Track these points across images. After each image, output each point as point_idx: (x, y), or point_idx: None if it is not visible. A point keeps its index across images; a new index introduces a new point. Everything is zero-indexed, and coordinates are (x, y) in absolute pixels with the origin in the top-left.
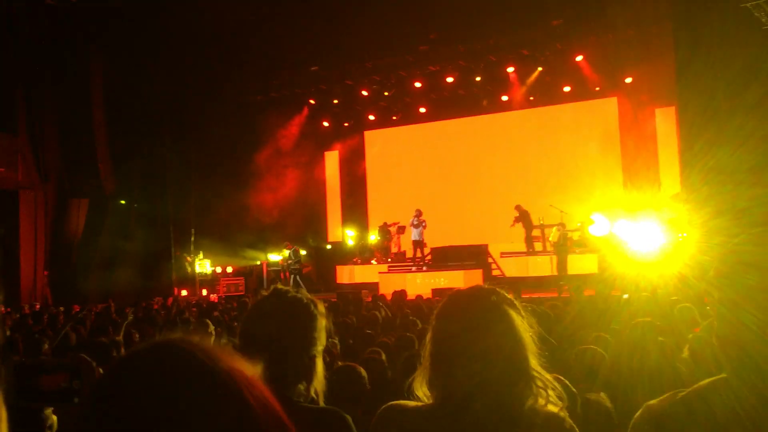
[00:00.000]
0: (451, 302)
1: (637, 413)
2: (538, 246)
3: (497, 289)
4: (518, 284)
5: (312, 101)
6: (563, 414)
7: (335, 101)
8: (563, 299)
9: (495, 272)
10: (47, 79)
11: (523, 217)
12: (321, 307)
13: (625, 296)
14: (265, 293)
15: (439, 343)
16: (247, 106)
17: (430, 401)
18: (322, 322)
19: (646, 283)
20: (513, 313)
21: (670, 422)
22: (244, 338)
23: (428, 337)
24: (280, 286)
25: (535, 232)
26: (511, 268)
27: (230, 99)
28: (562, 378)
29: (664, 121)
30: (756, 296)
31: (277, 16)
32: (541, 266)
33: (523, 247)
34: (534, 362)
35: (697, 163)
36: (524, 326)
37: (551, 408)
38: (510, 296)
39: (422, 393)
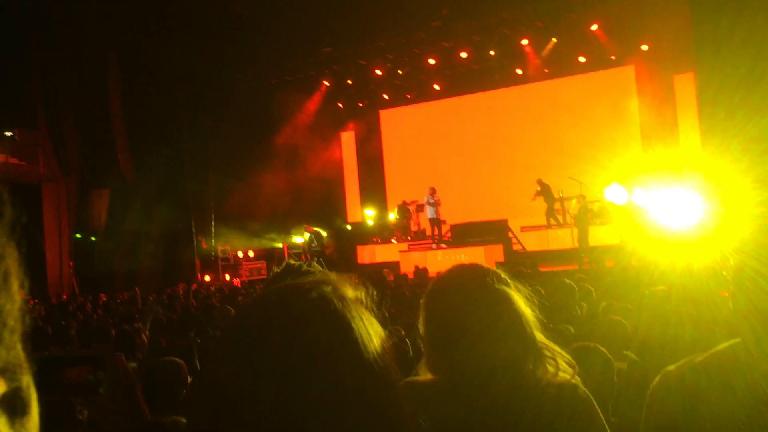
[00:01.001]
0: (438, 285)
1: (655, 379)
2: (558, 219)
3: (481, 264)
4: (535, 258)
5: (326, 82)
6: (576, 381)
7: (349, 82)
8: (585, 271)
9: (516, 247)
10: (65, 73)
11: (544, 190)
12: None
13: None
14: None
15: (434, 328)
16: (261, 90)
17: (442, 380)
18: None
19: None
20: (504, 287)
21: (689, 387)
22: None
23: (420, 322)
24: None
25: (556, 206)
26: (531, 242)
27: (245, 83)
28: (599, 346)
29: (683, 88)
30: None
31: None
32: (562, 239)
33: (543, 221)
34: (539, 335)
35: (719, 130)
36: (521, 300)
37: (563, 376)
38: (497, 270)
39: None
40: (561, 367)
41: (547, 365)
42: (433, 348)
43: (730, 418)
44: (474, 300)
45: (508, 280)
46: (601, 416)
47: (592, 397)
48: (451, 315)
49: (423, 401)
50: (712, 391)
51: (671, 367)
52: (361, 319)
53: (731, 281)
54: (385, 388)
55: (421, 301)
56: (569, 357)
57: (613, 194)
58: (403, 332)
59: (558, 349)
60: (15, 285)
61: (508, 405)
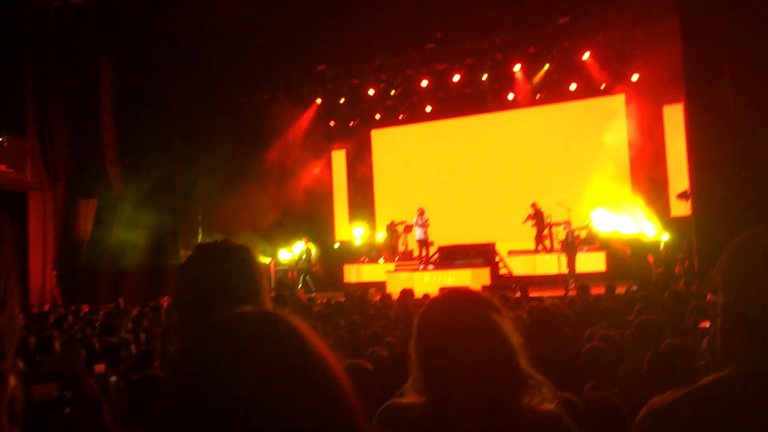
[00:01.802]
0: (431, 310)
1: (642, 411)
2: (546, 244)
3: (476, 291)
4: (526, 283)
5: (319, 100)
6: (559, 411)
7: (342, 100)
8: (571, 297)
9: (503, 271)
10: (56, 81)
11: (537, 215)
12: (253, 253)
13: (633, 288)
14: (189, 252)
15: (425, 353)
16: (254, 105)
17: (429, 401)
18: (260, 267)
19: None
20: (496, 316)
21: (675, 419)
22: (184, 309)
23: (412, 344)
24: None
25: (545, 231)
26: (519, 267)
27: (238, 98)
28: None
29: (672, 119)
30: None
31: (283, 15)
32: (549, 264)
33: (531, 245)
34: (523, 362)
35: (706, 160)
36: (509, 328)
37: (547, 406)
38: (490, 298)
39: (415, 397)
40: (545, 396)
41: (533, 394)
42: (422, 370)
43: None
44: (465, 327)
45: (500, 308)
46: None
47: (575, 427)
48: (442, 339)
49: (406, 423)
50: (702, 424)
51: (657, 399)
52: (312, 343)
53: (719, 315)
54: (341, 409)
55: (414, 321)
56: (552, 386)
57: (600, 223)
58: (386, 353)
59: (542, 378)
60: (14, 298)
61: (491, 430)
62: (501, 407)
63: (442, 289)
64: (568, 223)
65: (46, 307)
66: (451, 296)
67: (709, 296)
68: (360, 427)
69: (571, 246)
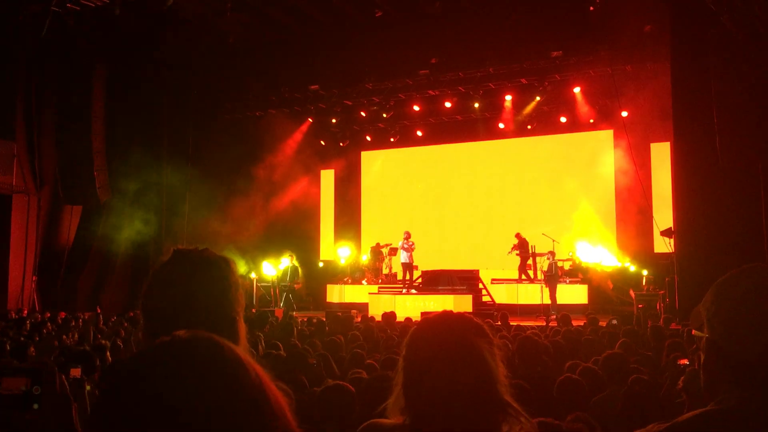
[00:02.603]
0: (422, 330)
1: None
2: (530, 274)
3: (468, 316)
4: (506, 312)
5: (310, 119)
6: None
7: (334, 120)
8: (551, 328)
9: (485, 298)
10: (48, 86)
11: (521, 245)
12: (233, 265)
13: (614, 322)
14: (164, 258)
15: (410, 371)
16: (245, 122)
17: (409, 423)
18: (237, 281)
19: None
20: (484, 343)
21: None
22: (151, 314)
23: (400, 364)
24: (181, 247)
25: (529, 261)
26: (501, 295)
27: (230, 113)
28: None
29: (659, 156)
30: (751, 329)
31: (280, 34)
32: (532, 294)
33: (513, 275)
34: (504, 391)
35: (690, 200)
36: (494, 356)
37: None
38: (482, 324)
39: (395, 418)
40: (523, 426)
41: (511, 423)
42: (405, 388)
43: None
44: (450, 351)
45: (489, 335)
46: None
47: None
48: (427, 360)
49: None
50: None
51: None
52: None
53: (704, 352)
54: None
55: (405, 340)
56: (528, 416)
57: (584, 253)
58: (364, 374)
59: (519, 408)
60: None
61: None
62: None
63: (423, 314)
64: (551, 254)
65: (25, 312)
66: (444, 318)
67: (693, 332)
68: None
69: (554, 277)
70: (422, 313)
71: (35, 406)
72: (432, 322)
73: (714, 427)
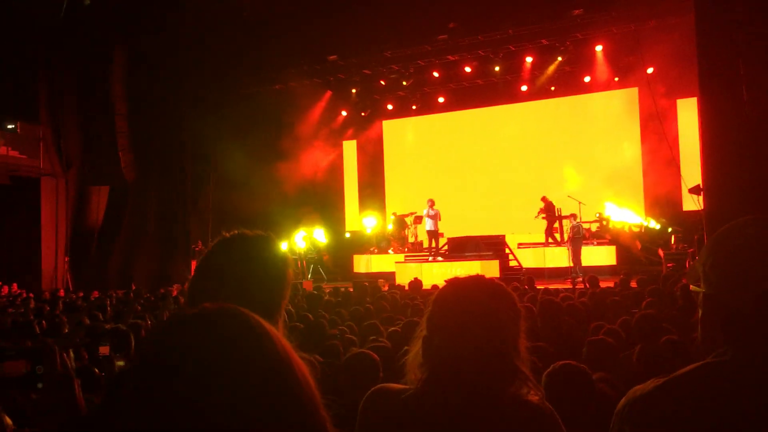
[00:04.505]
0: (447, 289)
1: (622, 401)
2: (557, 237)
3: (498, 283)
4: (533, 276)
5: (330, 91)
6: (543, 404)
7: (353, 90)
8: (578, 290)
9: (512, 263)
10: (70, 69)
11: (547, 208)
12: (272, 244)
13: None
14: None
15: (431, 328)
16: (266, 94)
17: (418, 383)
18: (283, 258)
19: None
20: (505, 309)
21: (654, 407)
22: (193, 298)
23: (423, 320)
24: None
25: (556, 224)
26: (528, 259)
27: (250, 87)
28: (583, 367)
29: (686, 112)
30: (745, 279)
31: (296, 4)
32: (559, 257)
33: (540, 239)
34: (517, 357)
35: (719, 155)
36: (515, 324)
37: (532, 398)
38: (509, 292)
39: (413, 374)
40: (532, 389)
41: (519, 387)
42: (424, 344)
43: None
44: (468, 312)
45: (514, 300)
46: None
47: (557, 416)
48: (447, 319)
49: (392, 403)
50: (681, 411)
51: (638, 387)
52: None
53: (700, 306)
54: (296, 410)
55: (432, 298)
56: (536, 383)
57: (611, 213)
58: (388, 342)
59: (529, 375)
60: None
61: (481, 416)
62: (484, 393)
63: (447, 281)
64: (573, 217)
65: (61, 293)
66: (470, 281)
67: (691, 287)
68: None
69: (577, 239)
70: (446, 281)
71: (39, 385)
72: (459, 283)
73: (711, 380)
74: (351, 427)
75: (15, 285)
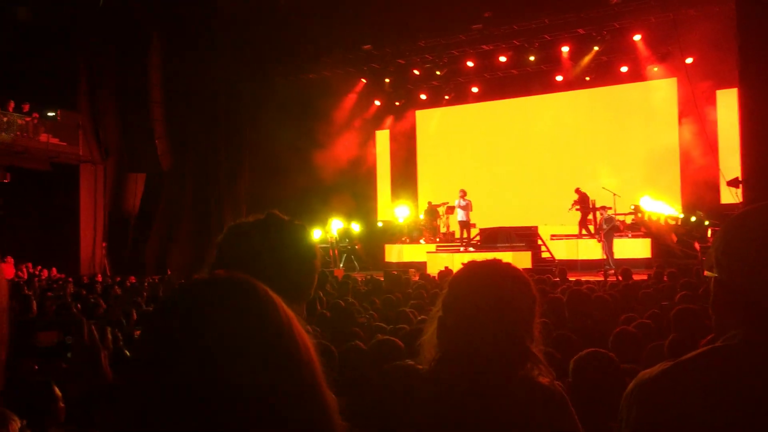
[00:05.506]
0: (463, 271)
1: (631, 384)
2: (591, 229)
3: (515, 268)
4: (565, 267)
5: (364, 80)
6: (553, 386)
7: (387, 80)
8: (610, 282)
9: (544, 254)
10: (107, 57)
11: (582, 200)
12: (300, 230)
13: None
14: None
15: (446, 309)
16: (299, 84)
17: (432, 362)
18: (311, 246)
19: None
20: (520, 294)
21: (661, 390)
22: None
23: (438, 301)
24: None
25: (590, 216)
26: (561, 251)
27: (284, 77)
28: (610, 354)
29: (725, 103)
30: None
31: None
32: (592, 249)
33: (573, 230)
34: (530, 340)
35: (759, 147)
36: (530, 308)
37: (543, 379)
38: (525, 277)
39: (428, 353)
40: (543, 371)
41: (530, 369)
42: (439, 324)
43: (716, 419)
44: (483, 294)
45: (533, 290)
46: (575, 415)
47: (566, 397)
48: (461, 300)
49: (409, 378)
50: (688, 395)
51: (646, 371)
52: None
53: (712, 292)
54: (297, 377)
55: (449, 280)
56: (547, 365)
57: (646, 206)
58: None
59: (540, 357)
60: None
61: (491, 396)
62: (494, 373)
63: (464, 264)
64: (604, 209)
65: (99, 278)
66: (487, 264)
67: (705, 272)
68: (318, 400)
69: (608, 232)
70: (462, 263)
71: (68, 354)
72: (475, 266)
73: (718, 364)
74: (360, 398)
75: (54, 269)
